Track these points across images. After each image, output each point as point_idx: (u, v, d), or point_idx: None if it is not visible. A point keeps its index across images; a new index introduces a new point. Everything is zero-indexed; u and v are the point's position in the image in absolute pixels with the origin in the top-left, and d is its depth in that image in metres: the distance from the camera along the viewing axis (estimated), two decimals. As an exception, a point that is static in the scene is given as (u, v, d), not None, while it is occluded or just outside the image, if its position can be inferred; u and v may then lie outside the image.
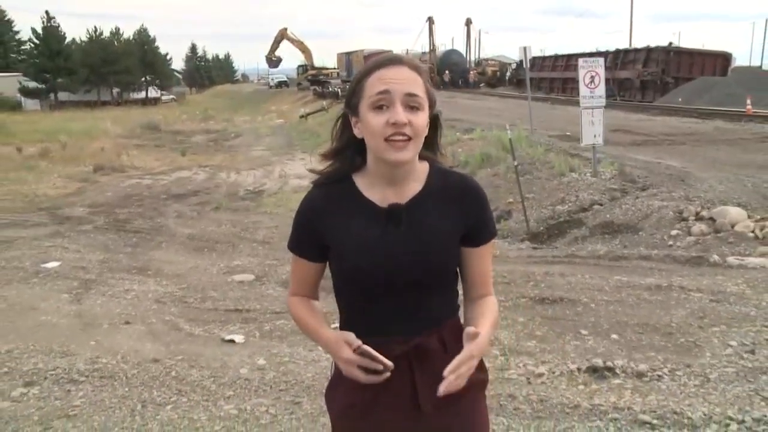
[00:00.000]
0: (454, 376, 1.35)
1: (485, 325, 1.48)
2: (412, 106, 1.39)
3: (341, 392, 1.54)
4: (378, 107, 1.39)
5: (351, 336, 1.44)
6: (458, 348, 1.52)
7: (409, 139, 1.39)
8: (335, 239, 1.49)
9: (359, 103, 1.43)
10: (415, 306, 1.48)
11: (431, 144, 1.53)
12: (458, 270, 1.56)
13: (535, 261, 6.57)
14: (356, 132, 1.46)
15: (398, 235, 1.46)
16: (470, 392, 1.54)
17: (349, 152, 1.51)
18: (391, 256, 1.44)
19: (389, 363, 1.39)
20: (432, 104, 1.46)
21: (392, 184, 1.48)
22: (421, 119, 1.41)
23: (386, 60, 1.44)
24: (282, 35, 59.64)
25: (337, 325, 1.60)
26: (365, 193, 1.49)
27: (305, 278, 1.59)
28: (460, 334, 1.55)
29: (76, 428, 3.36)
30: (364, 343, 1.42)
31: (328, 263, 1.56)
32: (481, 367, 1.59)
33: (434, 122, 1.51)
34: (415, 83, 1.41)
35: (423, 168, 1.52)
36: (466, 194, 1.53)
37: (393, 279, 1.45)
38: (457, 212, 1.50)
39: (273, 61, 63.77)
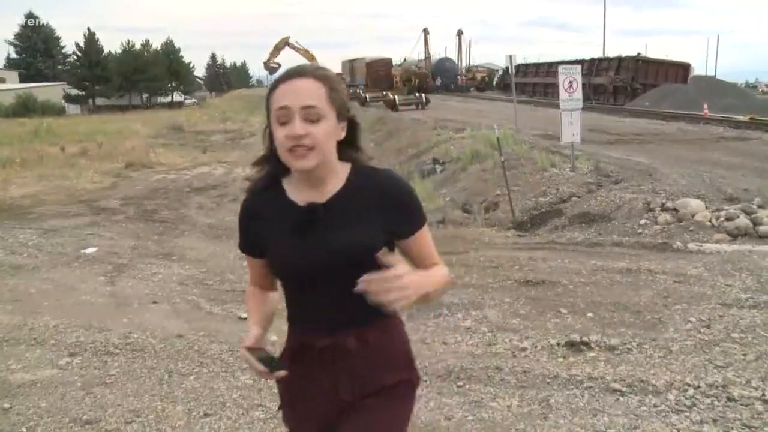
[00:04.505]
0: (371, 284, 1.24)
1: (422, 272, 1.39)
2: (310, 118, 1.31)
3: (279, 384, 1.53)
4: (281, 122, 1.33)
5: (252, 339, 1.43)
6: (384, 346, 1.45)
7: (312, 148, 1.32)
8: (264, 239, 1.44)
9: (270, 116, 1.36)
10: (337, 302, 1.39)
11: (352, 145, 1.44)
12: (403, 257, 1.45)
13: (519, 247, 6.55)
14: None
15: (316, 232, 1.38)
16: (393, 389, 1.46)
17: (274, 159, 1.40)
18: (307, 253, 1.37)
19: (263, 369, 1.40)
20: (340, 110, 1.36)
21: (312, 186, 1.40)
22: (321, 129, 1.32)
23: (289, 73, 1.36)
24: (284, 43, 58.45)
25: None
26: (290, 196, 1.42)
27: (257, 272, 1.55)
28: (392, 332, 1.49)
29: (113, 394, 3.38)
30: (296, 334, 1.48)
31: None
32: (408, 368, 1.52)
33: (351, 124, 1.42)
34: (314, 95, 1.32)
35: (344, 168, 1.43)
36: (386, 191, 1.41)
37: (310, 275, 1.39)
38: (377, 209, 1.40)
39: (272, 68, 62.46)
